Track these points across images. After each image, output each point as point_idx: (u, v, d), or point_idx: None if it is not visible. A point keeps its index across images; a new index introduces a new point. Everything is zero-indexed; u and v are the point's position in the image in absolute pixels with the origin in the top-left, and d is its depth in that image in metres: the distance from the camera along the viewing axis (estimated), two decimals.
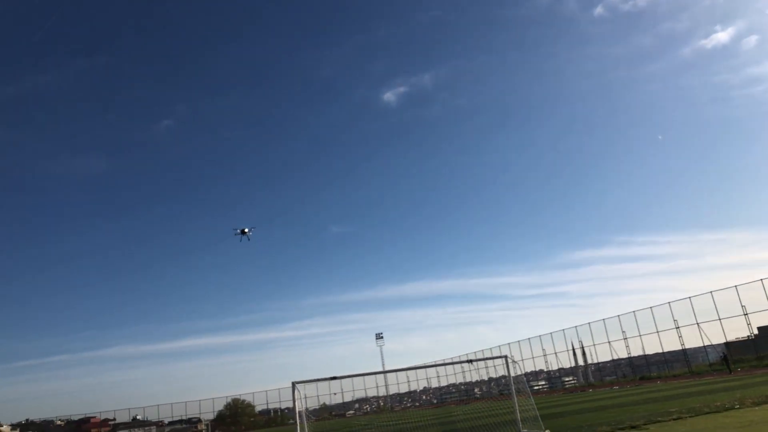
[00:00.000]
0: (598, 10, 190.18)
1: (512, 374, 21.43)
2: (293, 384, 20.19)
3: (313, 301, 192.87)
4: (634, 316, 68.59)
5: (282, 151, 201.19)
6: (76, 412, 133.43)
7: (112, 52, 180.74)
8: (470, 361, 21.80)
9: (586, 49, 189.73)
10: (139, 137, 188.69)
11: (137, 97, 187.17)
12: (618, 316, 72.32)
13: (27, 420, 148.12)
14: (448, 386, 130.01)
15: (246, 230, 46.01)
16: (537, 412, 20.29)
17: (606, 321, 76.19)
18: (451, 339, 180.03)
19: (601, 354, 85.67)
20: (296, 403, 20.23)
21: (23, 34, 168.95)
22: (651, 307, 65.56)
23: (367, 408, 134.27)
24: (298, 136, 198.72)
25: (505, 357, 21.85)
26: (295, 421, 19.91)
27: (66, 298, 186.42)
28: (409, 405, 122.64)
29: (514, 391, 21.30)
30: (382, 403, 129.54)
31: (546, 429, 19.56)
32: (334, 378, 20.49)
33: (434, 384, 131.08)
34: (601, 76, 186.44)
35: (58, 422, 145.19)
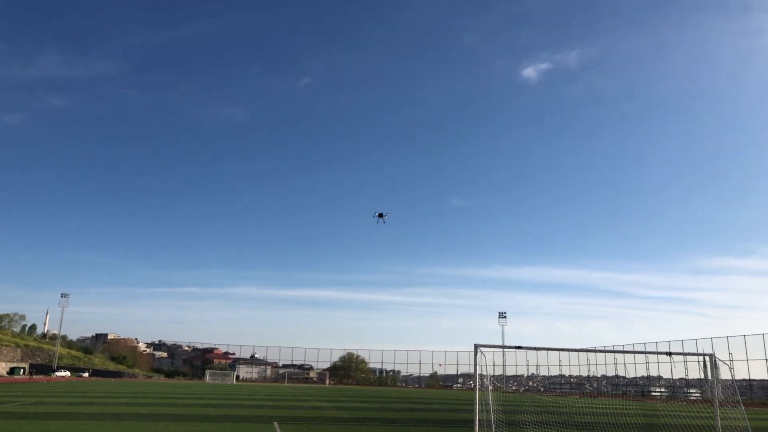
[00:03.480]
0: None
1: (717, 376, 18.82)
2: (476, 346, 18.89)
3: (428, 270, 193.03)
4: None
5: (413, 118, 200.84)
6: (201, 340, 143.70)
7: (261, 5, 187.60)
8: (669, 354, 19.20)
9: (759, 40, 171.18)
10: (280, 91, 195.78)
11: (280, 51, 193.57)
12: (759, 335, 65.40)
13: (159, 341, 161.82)
14: (557, 376, 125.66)
15: (383, 214, 48.05)
16: (748, 422, 17.66)
17: (729, 339, 69.03)
18: (564, 330, 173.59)
19: (734, 371, 78.07)
20: (477, 368, 18.95)
21: None
22: None
23: (471, 383, 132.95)
24: (431, 103, 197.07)
25: (711, 355, 19.23)
26: (475, 386, 18.60)
27: (201, 235, 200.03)
28: (514, 388, 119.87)
29: (716, 394, 18.72)
30: (486, 382, 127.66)
31: None
32: (519, 348, 19.00)
33: (543, 372, 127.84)
34: None
35: (185, 347, 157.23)
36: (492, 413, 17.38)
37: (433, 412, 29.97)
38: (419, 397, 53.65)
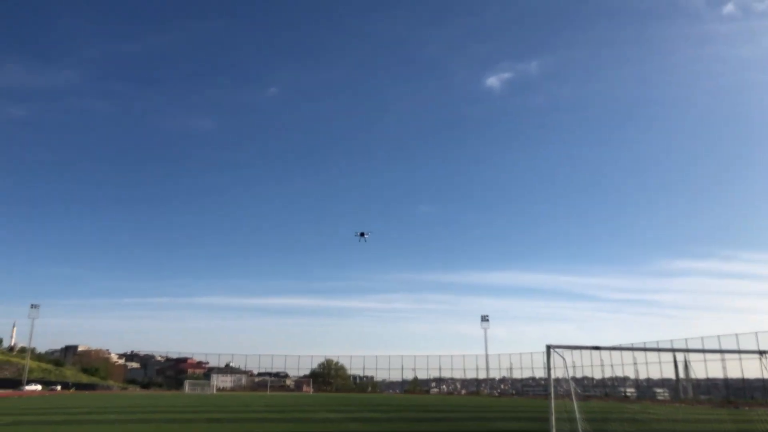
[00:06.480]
0: (728, 7, 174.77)
1: None
2: (548, 348, 15.92)
3: (398, 276, 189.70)
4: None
5: (379, 126, 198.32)
6: (173, 350, 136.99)
7: (226, 16, 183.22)
8: (763, 352, 16.54)
9: (711, 48, 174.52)
10: (246, 102, 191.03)
11: (246, 62, 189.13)
12: (751, 334, 64.20)
13: (132, 352, 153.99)
14: (527, 378, 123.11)
15: (364, 233, 45.89)
16: None
17: (721, 338, 67.52)
18: (531, 332, 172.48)
19: (700, 371, 76.78)
20: (551, 371, 15.93)
21: None
22: None
23: (444, 388, 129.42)
24: (397, 112, 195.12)
25: None
26: (550, 393, 15.51)
27: (170, 245, 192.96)
28: (488, 392, 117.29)
29: None
30: (457, 386, 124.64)
31: None
32: (597, 348, 16.17)
33: (516, 375, 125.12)
34: (726, 78, 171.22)
35: (158, 357, 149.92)
36: (579, 423, 14.39)
37: (464, 422, 26.71)
38: (423, 404, 50.02)
